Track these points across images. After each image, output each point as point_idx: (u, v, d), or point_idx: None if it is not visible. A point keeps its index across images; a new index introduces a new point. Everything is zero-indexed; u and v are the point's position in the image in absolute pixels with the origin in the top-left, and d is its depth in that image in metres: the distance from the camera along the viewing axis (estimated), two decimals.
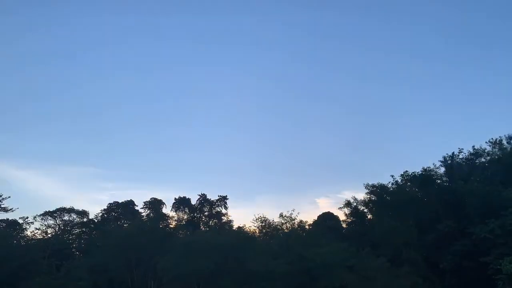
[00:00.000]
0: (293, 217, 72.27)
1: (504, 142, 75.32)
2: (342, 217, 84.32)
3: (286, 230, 71.19)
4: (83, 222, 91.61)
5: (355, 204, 79.80)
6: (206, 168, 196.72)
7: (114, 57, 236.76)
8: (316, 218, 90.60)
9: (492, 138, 76.47)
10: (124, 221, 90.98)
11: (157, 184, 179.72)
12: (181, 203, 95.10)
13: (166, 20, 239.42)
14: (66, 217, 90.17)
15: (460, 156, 76.11)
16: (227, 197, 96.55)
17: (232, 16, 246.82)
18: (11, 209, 69.02)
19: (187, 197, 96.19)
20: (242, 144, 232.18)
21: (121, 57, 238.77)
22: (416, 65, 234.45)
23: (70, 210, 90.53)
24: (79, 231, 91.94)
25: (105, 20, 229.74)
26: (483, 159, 76.04)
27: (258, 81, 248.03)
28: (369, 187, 76.37)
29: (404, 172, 75.84)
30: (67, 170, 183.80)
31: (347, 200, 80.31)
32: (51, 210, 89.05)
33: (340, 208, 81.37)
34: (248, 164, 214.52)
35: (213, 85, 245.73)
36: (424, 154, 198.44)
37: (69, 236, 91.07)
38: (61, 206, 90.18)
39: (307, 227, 79.88)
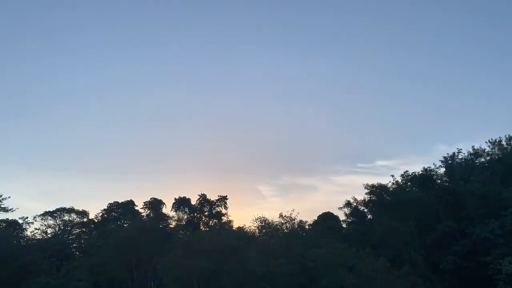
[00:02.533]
0: (293, 217, 72.46)
1: (504, 142, 75.47)
2: (342, 217, 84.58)
3: (286, 230, 71.23)
4: (83, 222, 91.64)
5: (355, 204, 79.95)
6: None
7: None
8: (316, 218, 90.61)
9: (491, 138, 76.87)
10: (124, 221, 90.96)
11: (156, 184, 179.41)
12: (181, 203, 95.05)
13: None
14: (66, 217, 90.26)
15: (460, 156, 76.32)
16: (227, 197, 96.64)
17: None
18: (11, 209, 69.21)
19: (187, 197, 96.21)
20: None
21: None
22: (417, 63, 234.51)
23: (70, 210, 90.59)
24: (79, 231, 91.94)
25: None
26: (483, 159, 76.22)
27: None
28: (369, 187, 76.50)
29: (404, 172, 76.22)
30: None
31: (347, 200, 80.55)
32: (51, 210, 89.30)
33: (340, 208, 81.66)
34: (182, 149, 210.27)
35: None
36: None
37: (69, 236, 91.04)
38: (61, 206, 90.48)
39: (307, 227, 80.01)
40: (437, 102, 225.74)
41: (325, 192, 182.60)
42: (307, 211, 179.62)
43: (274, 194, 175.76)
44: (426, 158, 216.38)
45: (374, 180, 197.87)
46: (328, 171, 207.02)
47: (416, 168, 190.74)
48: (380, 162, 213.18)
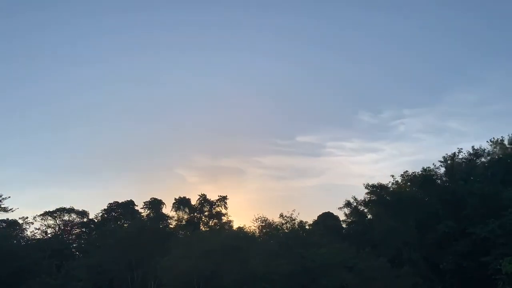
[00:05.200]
0: (293, 217, 72.50)
1: (506, 142, 75.41)
2: (342, 217, 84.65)
3: (286, 230, 71.23)
4: (83, 222, 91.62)
5: (355, 204, 79.96)
6: None
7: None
8: (316, 218, 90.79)
9: (493, 138, 76.70)
10: (124, 221, 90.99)
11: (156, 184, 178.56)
12: (181, 203, 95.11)
13: None
14: (66, 217, 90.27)
15: (460, 156, 76.21)
16: (227, 197, 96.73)
17: None
18: (11, 209, 69.31)
19: (187, 197, 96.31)
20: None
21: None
22: (417, 62, 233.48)
23: (70, 210, 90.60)
24: (79, 231, 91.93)
25: None
26: (483, 159, 76.14)
27: None
28: (369, 187, 76.55)
29: (404, 172, 76.18)
30: None
31: (347, 200, 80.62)
32: (51, 210, 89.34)
33: (340, 208, 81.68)
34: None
35: None
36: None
37: (69, 236, 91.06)
38: (61, 206, 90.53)
39: (307, 227, 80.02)
40: (354, 69, 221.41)
41: (255, 177, 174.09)
42: (243, 201, 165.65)
43: (201, 180, 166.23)
44: (353, 133, 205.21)
45: (299, 160, 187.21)
46: (249, 150, 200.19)
47: (345, 144, 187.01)
48: (300, 138, 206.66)
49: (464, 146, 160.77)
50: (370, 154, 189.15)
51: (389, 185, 75.97)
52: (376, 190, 75.67)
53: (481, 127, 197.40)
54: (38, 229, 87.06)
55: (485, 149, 75.96)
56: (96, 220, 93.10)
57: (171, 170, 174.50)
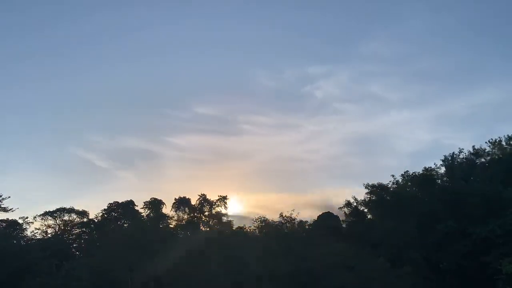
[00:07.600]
0: (293, 217, 72.63)
1: (504, 142, 75.67)
2: (342, 217, 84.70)
3: (286, 230, 71.31)
4: (83, 222, 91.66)
5: (355, 204, 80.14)
6: None
7: None
8: (316, 218, 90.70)
9: (491, 139, 77.04)
10: (124, 221, 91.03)
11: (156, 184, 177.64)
12: (181, 203, 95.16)
13: None
14: (66, 217, 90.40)
15: (461, 156, 76.41)
16: (227, 197, 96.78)
17: None
18: (11, 209, 69.31)
19: (187, 197, 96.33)
20: None
21: None
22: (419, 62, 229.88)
23: (70, 210, 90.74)
24: (79, 231, 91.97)
25: None
26: (483, 159, 76.31)
27: None
28: (369, 187, 76.68)
29: (404, 172, 76.44)
30: None
31: (347, 200, 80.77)
32: (51, 210, 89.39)
33: (340, 208, 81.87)
34: None
35: None
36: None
37: (69, 236, 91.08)
38: (61, 206, 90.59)
39: (307, 227, 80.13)
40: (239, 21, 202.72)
41: (174, 161, 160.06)
42: (167, 193, 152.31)
43: (117, 166, 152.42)
44: (259, 103, 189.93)
45: (215, 139, 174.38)
46: (151, 126, 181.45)
47: (257, 119, 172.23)
48: (199, 109, 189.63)
49: (399, 117, 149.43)
50: (290, 132, 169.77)
51: (389, 185, 76.27)
52: (376, 190, 75.84)
53: (409, 90, 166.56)
54: (38, 229, 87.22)
55: (484, 149, 76.36)
56: (96, 220, 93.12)
57: (68, 151, 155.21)
